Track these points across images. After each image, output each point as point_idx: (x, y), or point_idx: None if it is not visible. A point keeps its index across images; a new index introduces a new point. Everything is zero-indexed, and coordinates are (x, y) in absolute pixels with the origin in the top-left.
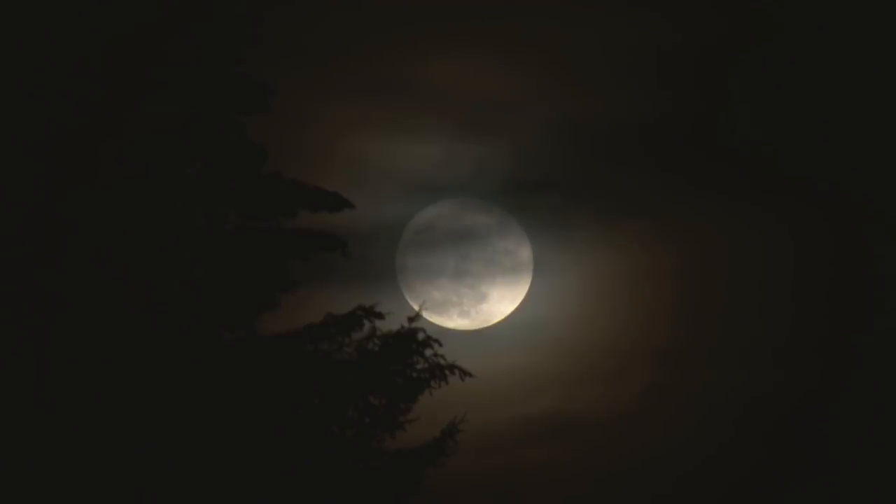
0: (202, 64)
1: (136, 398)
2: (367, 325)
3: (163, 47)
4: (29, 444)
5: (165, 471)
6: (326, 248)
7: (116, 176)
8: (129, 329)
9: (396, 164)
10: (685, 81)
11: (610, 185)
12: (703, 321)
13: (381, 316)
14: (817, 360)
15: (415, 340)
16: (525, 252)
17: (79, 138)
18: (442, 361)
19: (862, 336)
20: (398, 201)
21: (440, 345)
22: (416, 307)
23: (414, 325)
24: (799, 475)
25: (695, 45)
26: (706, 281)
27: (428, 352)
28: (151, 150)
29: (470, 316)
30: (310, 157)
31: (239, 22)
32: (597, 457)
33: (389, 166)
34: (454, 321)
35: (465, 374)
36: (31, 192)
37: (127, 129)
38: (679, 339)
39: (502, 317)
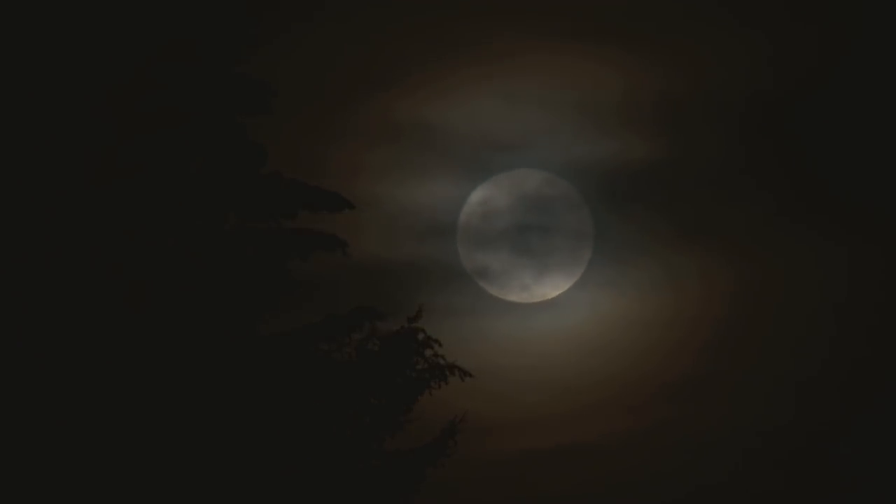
0: (202, 64)
1: (136, 398)
2: (366, 325)
3: (163, 47)
4: (29, 445)
5: (166, 471)
6: (326, 248)
7: (116, 176)
8: (130, 329)
9: (403, 205)
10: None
11: (618, 228)
12: (731, 355)
13: (381, 316)
14: (838, 397)
15: (415, 340)
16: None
17: (79, 138)
18: (442, 361)
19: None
20: (408, 241)
21: (440, 345)
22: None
23: (414, 324)
24: None
25: (713, 89)
26: (744, 315)
27: (428, 352)
28: (151, 150)
29: (530, 290)
30: None
31: (239, 22)
32: (603, 481)
33: (396, 208)
34: (515, 294)
35: (464, 374)
36: (32, 192)
37: (127, 128)
38: (701, 372)
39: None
